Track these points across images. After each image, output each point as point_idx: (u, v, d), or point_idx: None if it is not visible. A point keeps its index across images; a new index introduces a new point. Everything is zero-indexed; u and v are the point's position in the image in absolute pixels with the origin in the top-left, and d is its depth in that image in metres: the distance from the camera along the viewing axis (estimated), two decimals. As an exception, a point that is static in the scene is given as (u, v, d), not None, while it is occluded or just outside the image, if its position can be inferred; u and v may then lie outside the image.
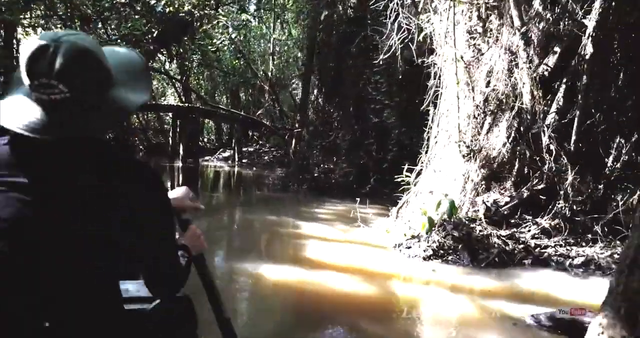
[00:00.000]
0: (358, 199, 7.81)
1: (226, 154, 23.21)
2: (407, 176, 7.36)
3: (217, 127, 30.28)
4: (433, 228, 5.49)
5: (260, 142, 19.67)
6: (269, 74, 18.63)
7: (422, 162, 7.30)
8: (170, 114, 26.35)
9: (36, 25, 12.56)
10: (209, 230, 7.07)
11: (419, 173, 7.73)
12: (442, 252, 5.38)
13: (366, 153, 11.33)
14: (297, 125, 12.54)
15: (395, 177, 11.19)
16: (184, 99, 25.78)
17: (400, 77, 10.76)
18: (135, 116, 29.75)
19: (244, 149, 21.81)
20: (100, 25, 11.49)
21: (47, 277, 1.06)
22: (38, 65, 1.00)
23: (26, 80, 1.03)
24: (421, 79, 9.96)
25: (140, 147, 29.53)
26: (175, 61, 20.31)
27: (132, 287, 1.71)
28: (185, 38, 14.45)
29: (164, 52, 12.66)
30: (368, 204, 9.50)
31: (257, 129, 19.53)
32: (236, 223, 8.45)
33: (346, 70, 11.96)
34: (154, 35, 11.52)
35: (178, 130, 19.20)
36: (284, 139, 19.21)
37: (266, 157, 18.83)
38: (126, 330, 1.25)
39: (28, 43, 1.03)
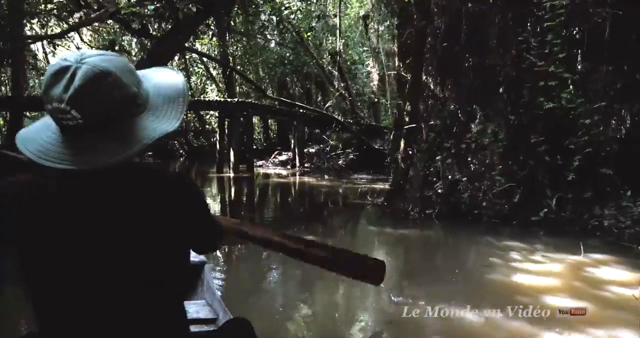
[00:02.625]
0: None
1: (282, 157, 19.37)
2: None
3: (265, 124, 26.50)
4: None
5: (332, 142, 15.64)
6: (337, 56, 14.60)
7: None
8: (213, 112, 22.82)
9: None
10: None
11: None
12: None
13: (533, 157, 7.18)
14: (406, 119, 8.52)
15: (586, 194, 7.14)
16: (226, 94, 22.13)
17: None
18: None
19: (305, 150, 17.87)
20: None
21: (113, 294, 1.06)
22: (54, 89, 0.96)
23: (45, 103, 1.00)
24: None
25: (181, 151, 26.17)
26: (218, 41, 16.53)
27: (192, 309, 1.85)
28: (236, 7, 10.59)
29: (212, 21, 8.79)
30: (584, 251, 5.44)
31: (325, 126, 15.54)
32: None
33: (486, 31, 7.80)
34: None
35: (226, 131, 15.42)
36: (359, 137, 15.20)
37: (340, 162, 14.80)
38: None
39: (53, 63, 1.01)
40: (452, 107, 8.16)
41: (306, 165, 16.84)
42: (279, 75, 23.24)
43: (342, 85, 15.22)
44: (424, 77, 8.61)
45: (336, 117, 14.33)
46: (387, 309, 3.91)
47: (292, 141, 17.43)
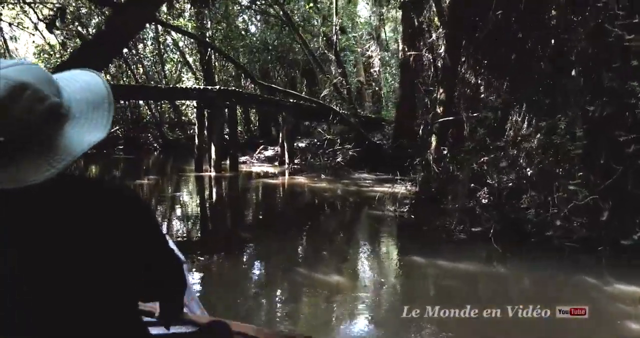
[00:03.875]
0: None
1: (269, 153, 17.44)
2: None
3: (246, 115, 24.46)
4: None
5: (329, 136, 13.75)
6: (334, 37, 12.71)
7: None
8: (190, 102, 20.74)
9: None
10: None
11: None
12: None
13: (620, 161, 5.44)
14: (439, 110, 6.71)
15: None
16: (205, 82, 20.07)
17: None
18: (146, 108, 24.23)
19: (294, 145, 15.94)
20: None
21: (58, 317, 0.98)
22: None
23: None
24: None
25: (155, 145, 23.99)
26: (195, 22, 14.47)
27: None
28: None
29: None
30: None
31: (318, 118, 13.67)
32: None
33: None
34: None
35: (206, 124, 13.43)
36: (359, 130, 13.40)
37: (338, 159, 12.95)
38: None
39: None
40: (503, 95, 6.38)
41: (296, 161, 14.96)
42: (261, 62, 21.27)
43: (339, 71, 13.35)
44: (463, 59, 6.82)
45: (333, 107, 12.47)
46: None
47: (280, 134, 15.51)
